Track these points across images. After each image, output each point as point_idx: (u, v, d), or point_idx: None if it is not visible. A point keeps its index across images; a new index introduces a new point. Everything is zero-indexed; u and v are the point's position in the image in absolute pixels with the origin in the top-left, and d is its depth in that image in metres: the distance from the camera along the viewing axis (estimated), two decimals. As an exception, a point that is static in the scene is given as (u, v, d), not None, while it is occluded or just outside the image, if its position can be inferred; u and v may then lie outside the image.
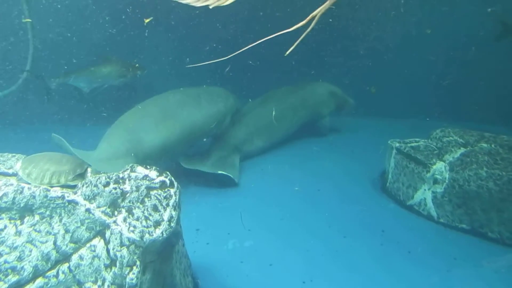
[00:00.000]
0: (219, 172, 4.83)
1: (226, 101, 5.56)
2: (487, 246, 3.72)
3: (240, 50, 2.00)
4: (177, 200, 2.43)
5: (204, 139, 5.48)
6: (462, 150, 4.24)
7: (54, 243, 2.02)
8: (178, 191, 2.49)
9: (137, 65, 6.03)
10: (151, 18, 5.69)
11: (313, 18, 1.81)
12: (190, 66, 3.02)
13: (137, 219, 2.21)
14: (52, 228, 2.08)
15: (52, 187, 2.25)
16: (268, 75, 6.95)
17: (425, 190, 4.21)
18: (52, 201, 2.16)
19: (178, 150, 5.04)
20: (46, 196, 2.17)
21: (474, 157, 4.05)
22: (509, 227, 3.69)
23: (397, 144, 4.59)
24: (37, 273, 1.93)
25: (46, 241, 2.02)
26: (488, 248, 3.68)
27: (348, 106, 6.64)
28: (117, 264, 2.05)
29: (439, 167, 4.14)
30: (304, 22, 1.82)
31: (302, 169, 5.36)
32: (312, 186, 4.85)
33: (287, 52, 1.90)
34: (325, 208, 4.34)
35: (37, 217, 2.12)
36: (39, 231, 2.05)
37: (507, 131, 4.86)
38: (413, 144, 4.56)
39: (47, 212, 2.14)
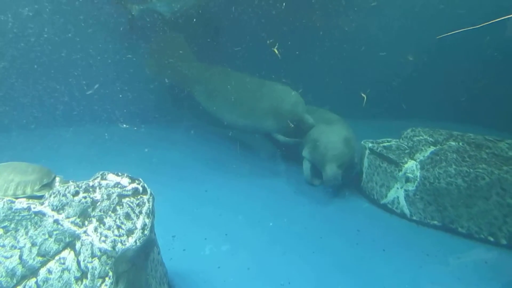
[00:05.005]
0: None
1: (274, 117, 5.22)
2: (458, 241, 3.84)
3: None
4: (150, 207, 2.38)
5: None
6: (432, 148, 4.37)
7: (20, 257, 1.93)
8: (151, 198, 2.44)
9: None
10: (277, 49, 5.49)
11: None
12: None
13: (109, 228, 2.14)
14: (18, 241, 1.98)
15: (17, 198, 2.15)
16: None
17: (397, 188, 4.31)
18: (17, 213, 2.07)
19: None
20: (10, 209, 2.07)
21: (443, 155, 4.18)
22: (477, 222, 3.83)
23: (370, 144, 4.68)
24: (1, 290, 1.84)
25: (11, 256, 1.92)
26: (458, 243, 3.80)
27: (324, 173, 4.65)
28: (89, 276, 1.98)
29: (411, 165, 4.25)
30: None
31: (276, 173, 5.38)
32: (288, 189, 4.88)
33: None
34: (301, 210, 4.37)
35: (0, 231, 2.02)
36: (3, 246, 1.95)
37: (473, 129, 5.05)
38: (385, 144, 4.66)
39: (12, 225, 2.04)
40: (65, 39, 6.02)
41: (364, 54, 6.95)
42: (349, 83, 7.05)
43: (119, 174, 2.48)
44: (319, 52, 6.92)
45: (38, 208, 2.12)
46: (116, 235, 2.12)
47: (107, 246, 2.05)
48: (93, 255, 2.02)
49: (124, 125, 6.47)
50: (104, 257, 2.03)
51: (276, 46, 5.30)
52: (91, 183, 2.35)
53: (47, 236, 2.03)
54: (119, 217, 2.22)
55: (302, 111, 5.18)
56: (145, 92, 6.66)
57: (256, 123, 5.41)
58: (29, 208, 2.10)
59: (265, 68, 6.09)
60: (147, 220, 2.27)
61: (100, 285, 1.98)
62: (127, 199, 2.33)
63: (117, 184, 2.40)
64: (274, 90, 5.39)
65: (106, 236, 2.10)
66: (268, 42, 5.54)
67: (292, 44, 6.19)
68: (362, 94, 5.78)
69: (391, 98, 7.21)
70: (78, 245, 2.04)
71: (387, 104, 7.15)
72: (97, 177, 2.45)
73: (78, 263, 1.99)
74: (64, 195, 2.21)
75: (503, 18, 1.82)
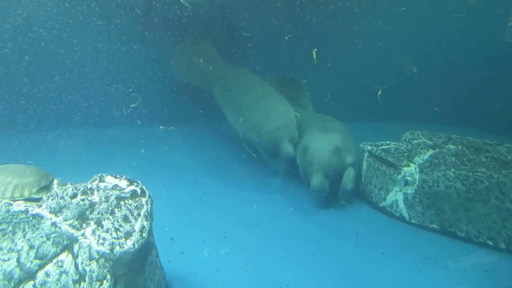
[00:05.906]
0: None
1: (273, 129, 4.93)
2: (457, 245, 3.83)
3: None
4: (149, 209, 2.37)
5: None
6: (431, 152, 4.37)
7: (18, 260, 1.92)
8: (150, 200, 2.43)
9: None
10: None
11: None
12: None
13: (107, 231, 2.13)
14: (15, 244, 1.98)
15: (14, 201, 2.15)
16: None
17: (396, 191, 4.31)
18: (14, 216, 2.06)
19: None
20: (8, 211, 2.06)
21: (442, 159, 4.18)
22: (476, 226, 3.83)
23: (369, 147, 4.68)
24: (-2, 293, 1.83)
25: (9, 259, 1.91)
26: (457, 247, 3.79)
27: (311, 183, 4.47)
28: (86, 279, 1.97)
29: (410, 169, 4.25)
30: None
31: (275, 176, 5.38)
32: (287, 191, 4.87)
33: None
34: (299, 213, 4.36)
35: (-2, 234, 2.01)
36: (1, 249, 1.94)
37: (472, 132, 5.06)
38: (384, 147, 4.66)
39: (9, 228, 2.03)
40: (69, 36, 6.00)
41: (364, 56, 6.96)
42: (350, 85, 7.07)
43: (117, 176, 2.47)
44: (330, 54, 6.86)
45: (36, 210, 2.12)
46: (114, 238, 2.11)
47: (105, 248, 2.04)
48: (91, 258, 2.02)
49: (127, 126, 6.45)
50: (102, 260, 2.02)
51: (315, 50, 5.15)
52: (89, 186, 2.35)
53: (45, 239, 2.02)
54: (117, 220, 2.21)
55: (283, 137, 4.85)
56: (146, 93, 6.66)
57: (245, 132, 5.41)
58: (26, 211, 2.10)
59: (271, 68, 6.11)
60: (145, 223, 2.26)
61: (98, 288, 1.97)
62: (125, 201, 2.32)
63: (115, 187, 2.39)
64: (269, 107, 5.15)
65: (104, 239, 2.09)
66: (288, 38, 5.50)
67: (306, 45, 6.17)
68: (379, 91, 5.71)
69: (391, 101, 7.22)
70: (76, 248, 2.03)
71: (386, 106, 7.16)
72: (95, 179, 2.44)
73: (76, 266, 1.98)
74: (62, 197, 2.20)
75: None
